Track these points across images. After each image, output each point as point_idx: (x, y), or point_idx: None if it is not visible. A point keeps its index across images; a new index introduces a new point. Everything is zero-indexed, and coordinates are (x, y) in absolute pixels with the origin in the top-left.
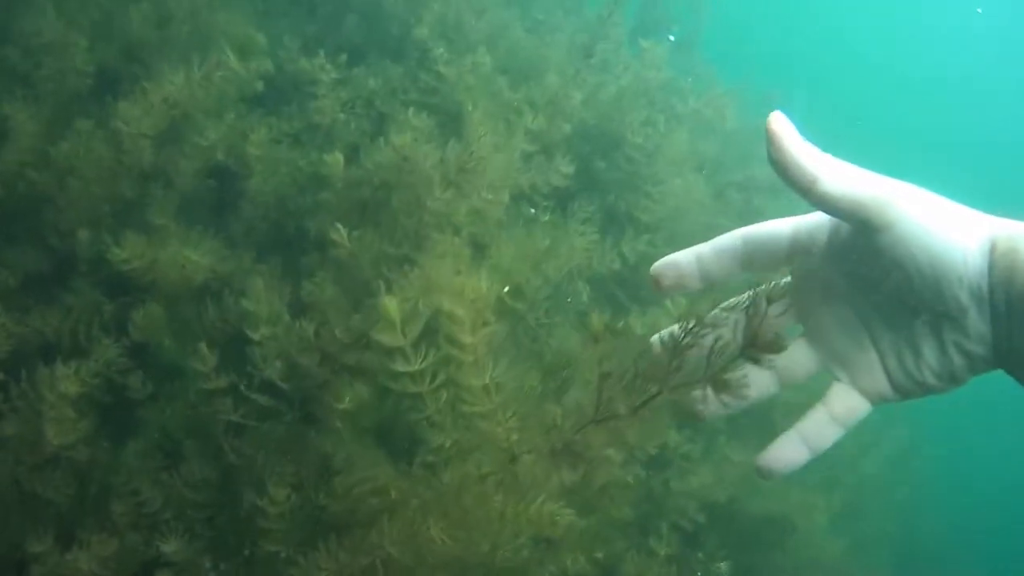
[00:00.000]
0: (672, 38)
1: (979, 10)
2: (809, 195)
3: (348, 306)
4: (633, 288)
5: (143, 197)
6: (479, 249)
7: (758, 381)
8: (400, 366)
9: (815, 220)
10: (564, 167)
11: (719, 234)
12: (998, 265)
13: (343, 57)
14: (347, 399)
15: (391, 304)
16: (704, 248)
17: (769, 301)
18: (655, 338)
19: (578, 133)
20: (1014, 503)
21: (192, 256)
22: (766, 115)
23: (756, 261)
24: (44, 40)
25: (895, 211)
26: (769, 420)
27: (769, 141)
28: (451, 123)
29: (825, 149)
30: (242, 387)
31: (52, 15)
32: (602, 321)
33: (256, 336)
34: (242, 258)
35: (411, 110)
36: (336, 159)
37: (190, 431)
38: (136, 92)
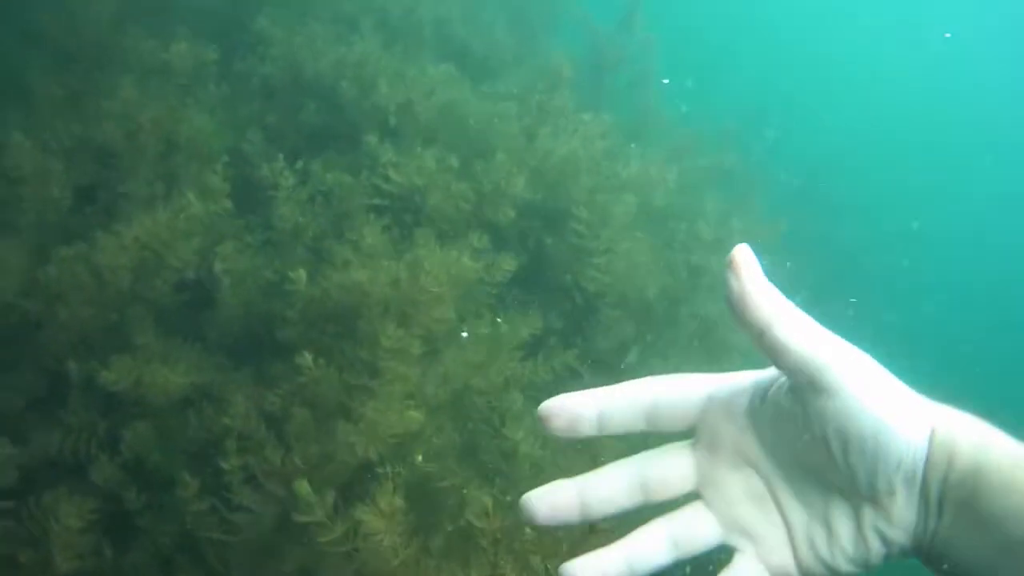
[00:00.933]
0: (666, 81)
1: (947, 34)
2: (760, 339)
3: (312, 431)
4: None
5: (125, 318)
6: (433, 353)
7: (654, 550)
8: (321, 537)
9: (733, 383)
10: (507, 264)
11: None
12: (935, 455)
13: (299, 163)
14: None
15: (303, 487)
16: (608, 398)
17: None
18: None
19: (526, 211)
20: None
21: (172, 376)
22: (721, 155)
23: (662, 422)
24: (21, 173)
25: (848, 377)
26: None
27: (730, 274)
28: (406, 219)
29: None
30: (221, 510)
31: (28, 146)
32: (490, 501)
33: (227, 466)
34: (219, 367)
35: (365, 229)
36: (299, 276)
37: (181, 543)
38: (110, 234)
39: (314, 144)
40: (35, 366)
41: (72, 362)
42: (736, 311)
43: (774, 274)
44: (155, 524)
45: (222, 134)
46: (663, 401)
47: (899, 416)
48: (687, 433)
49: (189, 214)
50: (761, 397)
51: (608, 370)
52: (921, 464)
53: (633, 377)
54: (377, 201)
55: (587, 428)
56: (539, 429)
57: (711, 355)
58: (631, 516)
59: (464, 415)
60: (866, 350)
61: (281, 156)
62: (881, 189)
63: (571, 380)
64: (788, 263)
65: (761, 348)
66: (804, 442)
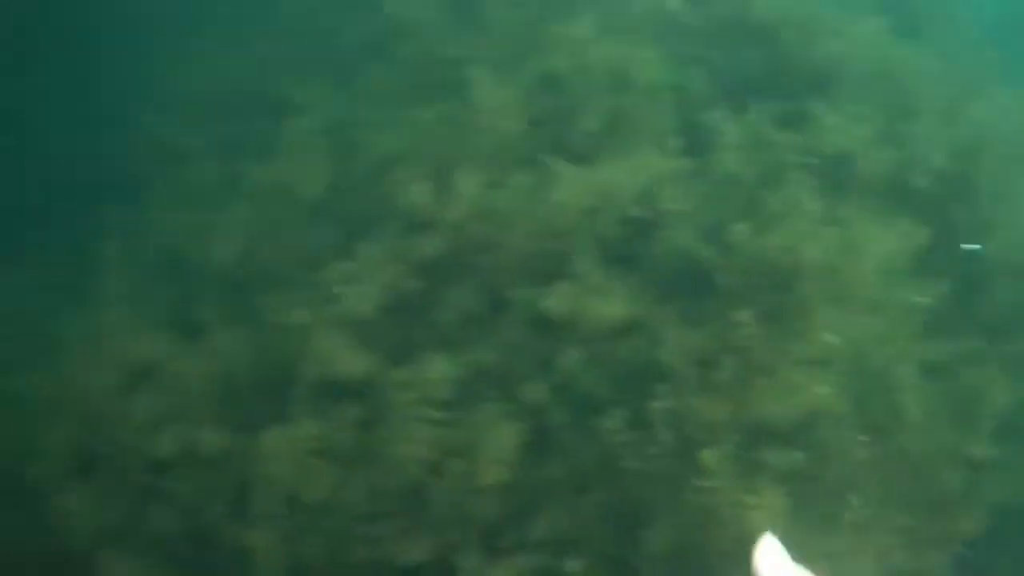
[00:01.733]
0: None
1: None
2: None
3: (734, 384)
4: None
5: (568, 248)
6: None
7: None
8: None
9: None
10: (921, 236)
11: None
12: None
13: (741, 115)
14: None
15: (708, 456)
16: None
17: None
18: None
19: (938, 179)
20: None
21: (608, 306)
22: None
23: None
24: (482, 102)
25: None
26: None
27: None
28: (834, 180)
29: None
30: (642, 447)
31: (489, 76)
32: None
33: (656, 405)
34: (651, 301)
35: (801, 192)
36: (741, 230)
37: (598, 466)
38: (565, 172)
39: (753, 88)
40: (480, 285)
41: (518, 287)
42: None
43: None
44: (576, 445)
45: (667, 71)
46: None
47: None
48: None
49: (643, 163)
50: None
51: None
52: None
53: None
54: (810, 160)
55: None
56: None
57: None
58: None
59: (860, 375)
60: None
61: (724, 103)
62: None
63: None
64: None
65: None
66: None
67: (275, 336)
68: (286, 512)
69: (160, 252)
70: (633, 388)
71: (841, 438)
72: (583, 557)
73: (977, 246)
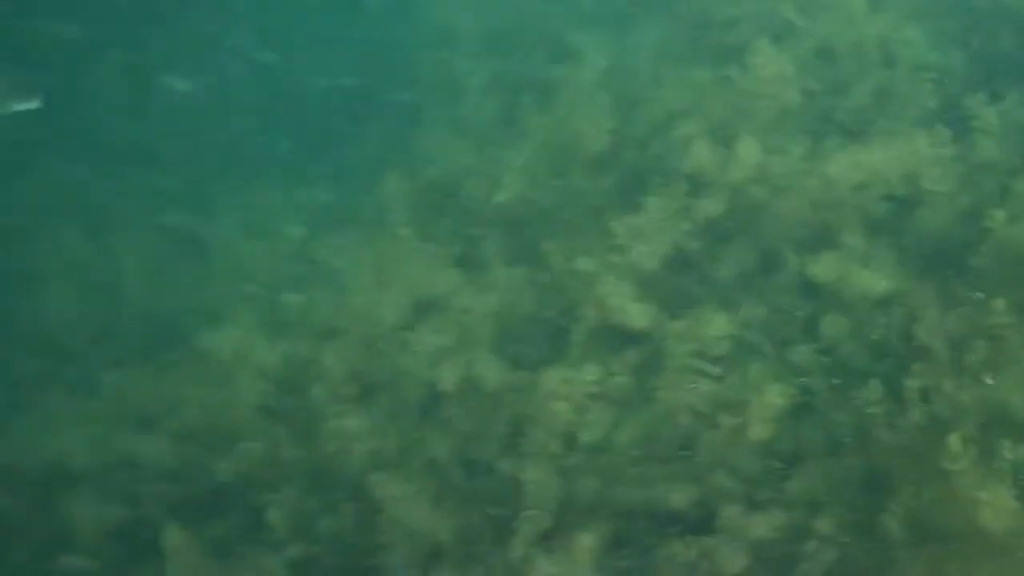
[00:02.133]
0: None
1: None
2: None
3: (988, 368)
4: None
5: (838, 220)
6: None
7: None
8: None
9: None
10: None
11: None
12: None
13: (1000, 103)
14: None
15: (955, 441)
16: None
17: None
18: None
19: None
20: None
21: (872, 278)
22: None
23: None
24: (761, 74)
25: None
26: None
27: None
28: None
29: None
30: (893, 420)
31: (770, 51)
32: None
33: (912, 383)
34: (910, 277)
35: None
36: (997, 217)
37: (852, 432)
38: (843, 151)
39: (1008, 74)
40: (753, 247)
41: (790, 253)
42: None
43: None
44: (834, 410)
45: (932, 51)
46: None
47: None
48: None
49: (910, 144)
50: None
51: None
52: None
53: None
54: None
55: None
56: None
57: None
58: None
59: None
60: None
61: (982, 87)
62: None
63: None
64: None
65: None
66: None
67: (558, 279)
68: (560, 449)
69: (440, 185)
70: (889, 360)
71: None
72: (832, 518)
73: None
